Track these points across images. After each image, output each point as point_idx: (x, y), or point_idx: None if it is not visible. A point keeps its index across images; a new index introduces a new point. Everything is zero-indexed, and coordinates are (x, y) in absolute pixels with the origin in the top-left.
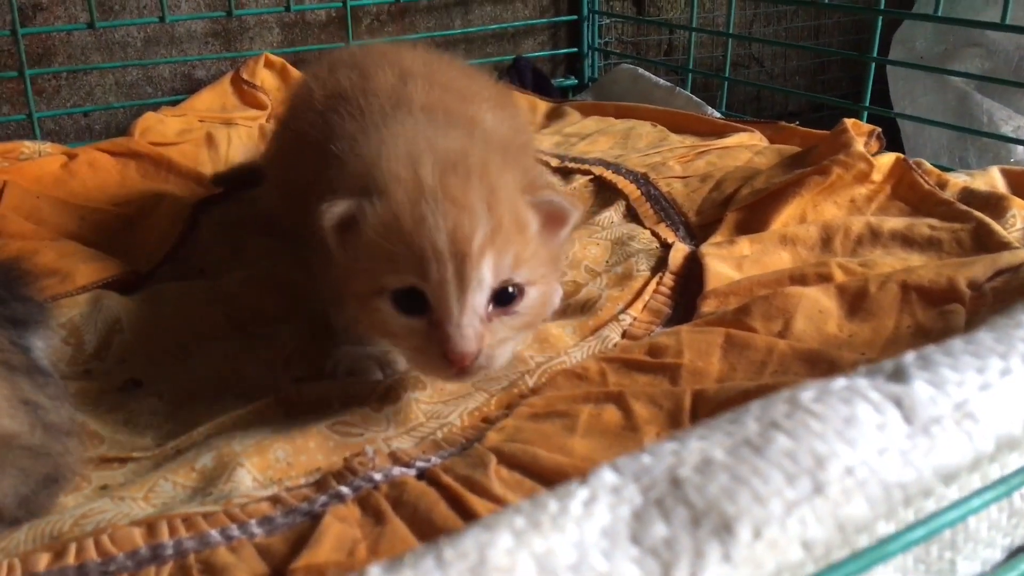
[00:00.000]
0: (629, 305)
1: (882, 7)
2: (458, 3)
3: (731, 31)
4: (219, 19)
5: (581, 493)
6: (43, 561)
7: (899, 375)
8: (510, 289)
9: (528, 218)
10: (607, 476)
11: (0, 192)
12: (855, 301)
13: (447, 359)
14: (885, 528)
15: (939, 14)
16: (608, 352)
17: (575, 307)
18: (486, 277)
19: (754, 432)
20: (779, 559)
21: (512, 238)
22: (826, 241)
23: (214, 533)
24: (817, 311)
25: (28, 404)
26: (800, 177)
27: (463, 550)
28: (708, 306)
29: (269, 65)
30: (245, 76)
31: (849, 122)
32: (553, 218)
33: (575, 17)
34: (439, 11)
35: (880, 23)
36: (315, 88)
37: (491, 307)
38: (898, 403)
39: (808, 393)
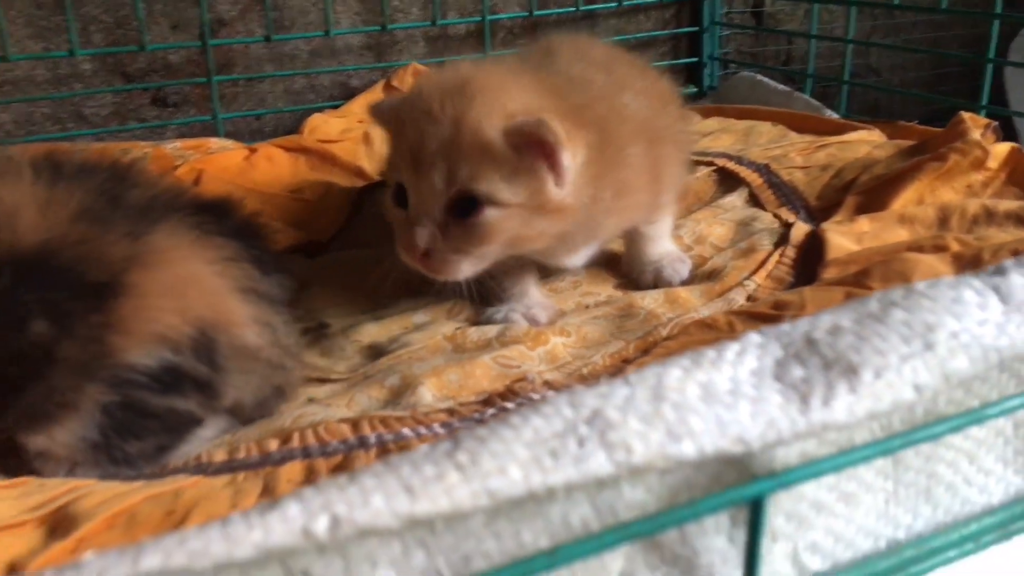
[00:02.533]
0: (754, 273)
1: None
2: (585, 17)
3: (851, 37)
4: (373, 33)
5: (734, 347)
6: (273, 445)
7: (1000, 271)
8: (470, 202)
9: (494, 138)
10: (754, 337)
11: (198, 179)
12: (969, 266)
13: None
14: (981, 388)
15: None
16: (735, 309)
17: (701, 276)
18: (436, 182)
19: (875, 308)
20: (895, 396)
21: (472, 154)
22: (943, 220)
23: (406, 431)
24: (933, 274)
25: (269, 326)
26: (918, 163)
27: (644, 376)
28: (829, 274)
29: (416, 74)
30: (395, 83)
31: (966, 115)
32: (534, 143)
33: (696, 29)
34: (567, 24)
35: (997, 28)
36: None
37: (450, 215)
38: (996, 289)
39: (921, 283)
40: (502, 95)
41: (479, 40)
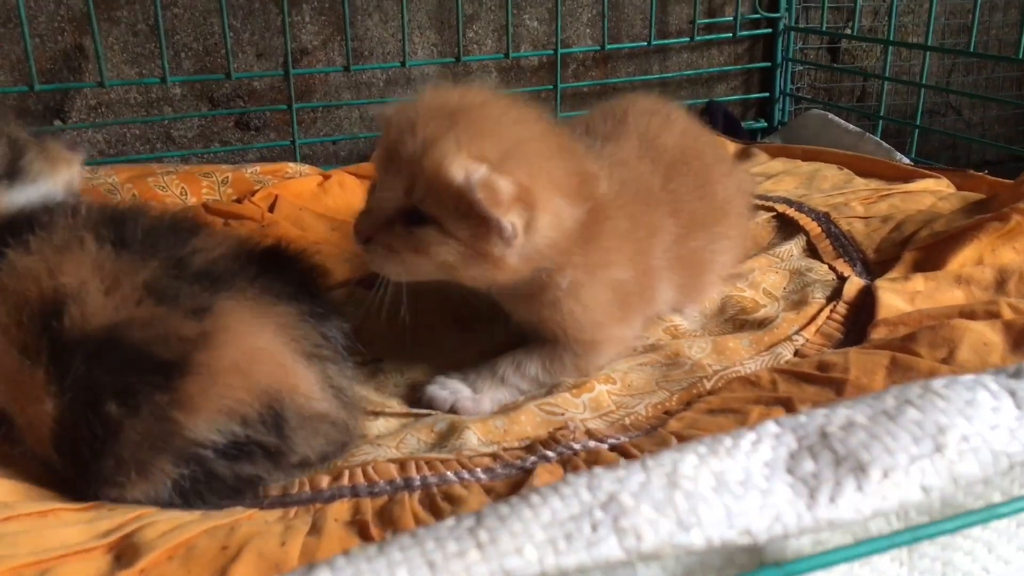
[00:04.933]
0: (803, 328)
1: None
2: (657, 51)
3: (924, 81)
4: (447, 64)
5: (750, 436)
6: (324, 481)
7: (1018, 374)
8: (420, 215)
9: (455, 176)
10: (771, 427)
11: (273, 203)
12: (1020, 337)
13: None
14: (1002, 481)
15: None
16: (780, 365)
17: (752, 323)
18: (396, 188)
19: (891, 405)
20: (901, 496)
21: (432, 180)
22: (1000, 283)
23: (450, 474)
24: (982, 343)
25: (334, 387)
26: (979, 222)
27: (661, 461)
28: (878, 334)
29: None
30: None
31: None
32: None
33: (768, 64)
34: (639, 57)
35: None
36: None
37: (400, 217)
38: (1012, 393)
39: (940, 381)
40: (483, 135)
41: (551, 72)
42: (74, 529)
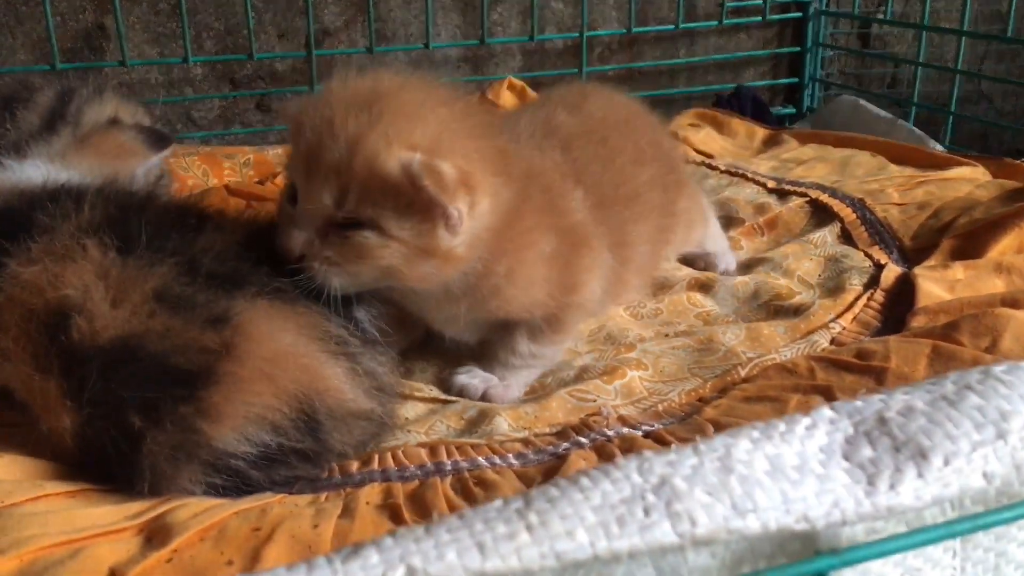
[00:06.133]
0: (840, 315)
1: None
2: (684, 35)
3: (959, 67)
4: (471, 46)
5: (804, 420)
6: (354, 466)
7: None
8: (352, 220)
9: (391, 169)
10: (826, 411)
11: None
12: None
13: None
14: None
15: None
16: (817, 353)
17: (788, 310)
18: (324, 198)
19: (951, 391)
20: (963, 484)
21: (365, 179)
22: None
23: (481, 459)
24: None
25: (369, 375)
26: (1019, 209)
27: (713, 446)
28: (918, 322)
29: (511, 88)
30: (490, 97)
31: None
32: (420, 197)
33: (798, 49)
34: (666, 41)
35: None
36: None
37: (332, 226)
38: None
39: (1000, 367)
40: (411, 123)
41: (576, 55)
42: (104, 509)
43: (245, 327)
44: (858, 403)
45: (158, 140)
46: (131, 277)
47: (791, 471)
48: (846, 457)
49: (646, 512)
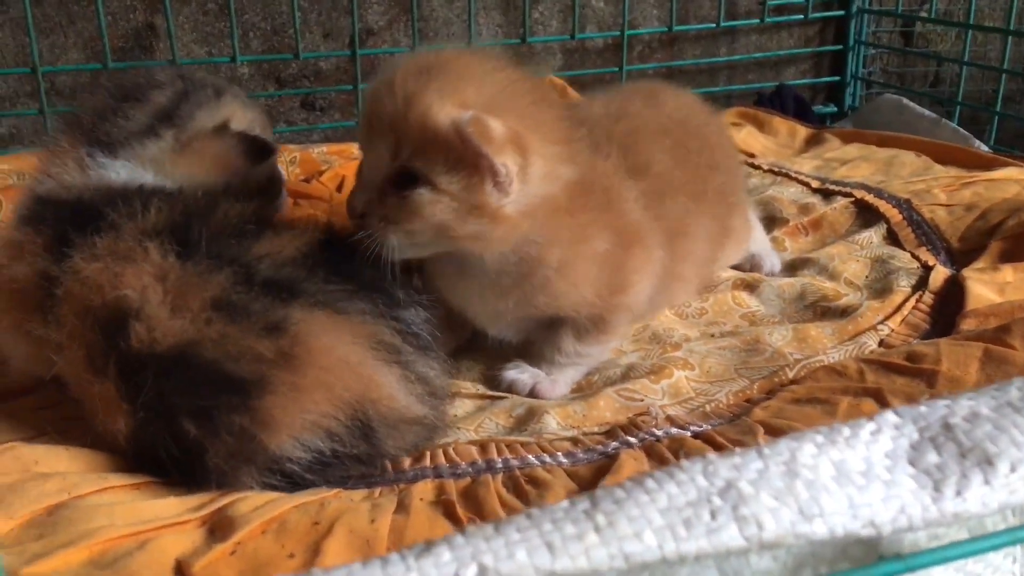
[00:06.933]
0: (888, 317)
1: None
2: (724, 33)
3: (1006, 66)
4: (512, 45)
5: (869, 425)
6: (407, 463)
7: None
8: (409, 177)
9: (441, 123)
10: (890, 416)
11: (341, 184)
12: None
13: None
14: None
15: None
16: (866, 355)
17: (835, 311)
18: (382, 153)
19: (1016, 397)
20: None
21: (417, 133)
22: None
23: (531, 457)
24: None
25: (421, 380)
26: None
27: (778, 450)
28: (968, 325)
29: (551, 86)
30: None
31: None
32: (468, 151)
33: (840, 47)
34: (706, 40)
35: None
36: None
37: (390, 185)
38: None
39: None
40: (465, 82)
41: (616, 53)
42: (167, 501)
43: (303, 336)
44: (922, 408)
45: (259, 151)
46: (190, 283)
47: (857, 476)
48: (912, 463)
49: (713, 515)
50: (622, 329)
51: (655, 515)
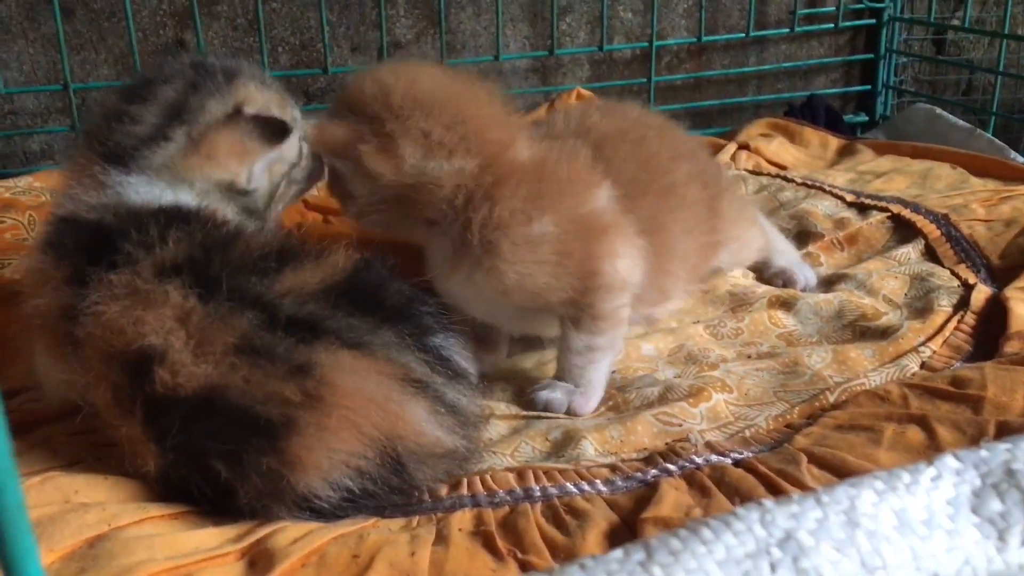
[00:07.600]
0: (930, 339)
1: None
2: (754, 42)
3: None
4: (539, 57)
5: (929, 471)
6: (444, 490)
7: None
8: None
9: None
10: (950, 461)
11: None
12: None
13: None
14: None
15: None
16: (908, 379)
17: (874, 332)
18: None
19: None
20: None
21: None
22: None
23: (570, 485)
24: None
25: (451, 409)
26: None
27: (836, 497)
28: (1012, 347)
29: (579, 98)
30: (558, 107)
31: None
32: None
33: (871, 56)
34: (734, 49)
35: None
36: None
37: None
38: None
39: None
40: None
41: (644, 65)
42: (206, 532)
43: (328, 378)
44: (983, 452)
45: (274, 132)
46: (212, 326)
47: (919, 526)
48: (975, 511)
49: (772, 568)
50: (620, 313)
51: (713, 567)
